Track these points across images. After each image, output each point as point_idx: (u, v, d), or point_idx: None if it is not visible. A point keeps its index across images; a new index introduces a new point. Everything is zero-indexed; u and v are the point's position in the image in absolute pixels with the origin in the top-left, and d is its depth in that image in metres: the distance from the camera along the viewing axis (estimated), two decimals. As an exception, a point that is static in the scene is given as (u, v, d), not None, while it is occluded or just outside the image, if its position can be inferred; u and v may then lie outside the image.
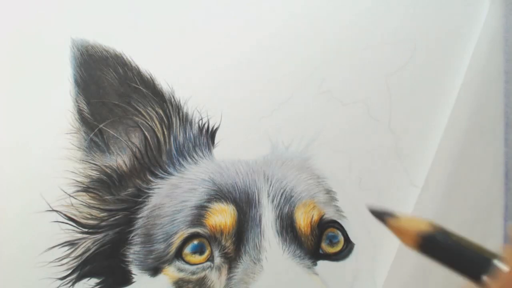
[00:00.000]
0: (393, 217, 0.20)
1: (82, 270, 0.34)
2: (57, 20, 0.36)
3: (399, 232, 0.20)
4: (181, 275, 0.33)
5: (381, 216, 0.21)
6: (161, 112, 0.35)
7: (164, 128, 0.36)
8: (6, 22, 0.35)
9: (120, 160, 0.35)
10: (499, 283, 0.18)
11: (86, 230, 0.34)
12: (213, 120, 0.36)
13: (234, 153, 0.36)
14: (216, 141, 0.36)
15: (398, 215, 0.20)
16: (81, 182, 0.35)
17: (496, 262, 0.18)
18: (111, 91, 0.35)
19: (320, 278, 0.34)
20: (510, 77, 0.38)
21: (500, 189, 0.37)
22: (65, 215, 0.34)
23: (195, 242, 0.33)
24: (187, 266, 0.33)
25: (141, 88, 0.35)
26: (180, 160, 0.36)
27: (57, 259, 0.34)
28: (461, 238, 0.19)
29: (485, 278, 0.18)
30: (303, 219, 0.34)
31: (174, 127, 0.36)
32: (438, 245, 0.19)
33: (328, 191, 0.36)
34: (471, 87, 0.38)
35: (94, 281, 0.34)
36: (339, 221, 0.35)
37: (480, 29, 0.38)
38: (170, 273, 0.34)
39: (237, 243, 0.33)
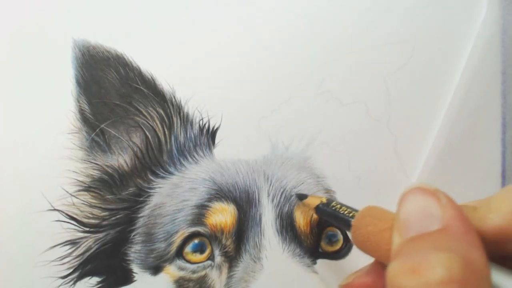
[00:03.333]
0: (305, 197, 0.34)
1: (83, 269, 0.34)
2: (59, 20, 0.36)
3: (307, 206, 0.33)
4: (181, 273, 0.33)
5: (300, 197, 0.34)
6: (162, 112, 0.36)
7: (165, 128, 0.36)
8: (6, 22, 0.35)
9: (121, 159, 0.35)
10: (352, 233, 0.25)
11: (87, 229, 0.34)
12: (214, 120, 0.36)
13: (234, 152, 0.36)
14: (216, 141, 0.36)
15: (307, 195, 0.34)
16: (82, 182, 0.35)
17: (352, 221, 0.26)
18: (112, 91, 0.35)
19: (320, 277, 0.34)
20: (507, 78, 0.38)
21: (497, 188, 0.38)
22: (66, 214, 0.34)
23: (196, 241, 0.33)
24: (187, 265, 0.33)
25: (142, 88, 0.35)
26: (181, 159, 0.36)
27: (58, 258, 0.34)
28: (338, 204, 0.30)
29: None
30: (303, 218, 0.34)
31: (175, 127, 0.36)
32: (323, 212, 0.31)
33: (328, 191, 0.37)
34: (468, 87, 0.38)
35: (95, 280, 0.34)
36: (338, 220, 0.36)
37: (477, 30, 0.39)
38: (171, 272, 0.34)
39: (238, 242, 0.33)
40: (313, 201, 0.32)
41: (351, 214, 0.28)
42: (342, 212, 0.29)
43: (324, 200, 0.31)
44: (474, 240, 0.20)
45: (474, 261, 0.19)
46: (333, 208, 0.30)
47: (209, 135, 0.36)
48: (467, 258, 0.18)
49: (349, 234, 0.28)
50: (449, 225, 0.20)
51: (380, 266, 0.25)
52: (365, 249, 0.25)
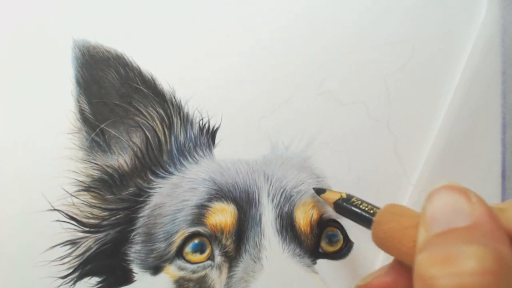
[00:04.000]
0: (323, 192, 0.33)
1: (83, 269, 0.34)
2: (59, 20, 0.36)
3: (326, 200, 0.32)
4: (181, 273, 0.33)
5: (318, 192, 0.34)
6: (162, 112, 0.36)
7: (165, 128, 0.36)
8: (6, 22, 0.35)
9: (121, 159, 0.35)
10: (373, 230, 0.25)
11: (87, 229, 0.34)
12: (214, 120, 0.36)
13: (234, 152, 0.36)
14: (216, 141, 0.36)
15: (326, 190, 0.33)
16: (82, 182, 0.35)
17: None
18: (112, 91, 0.35)
19: (320, 277, 0.34)
20: (507, 78, 0.38)
21: (497, 188, 0.38)
22: (66, 214, 0.34)
23: (196, 241, 0.33)
24: (187, 265, 0.33)
25: (142, 88, 0.35)
26: (181, 159, 0.36)
27: (58, 258, 0.34)
28: (359, 200, 0.29)
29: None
30: (303, 218, 0.34)
31: (175, 127, 0.36)
32: (342, 208, 0.30)
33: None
34: (468, 87, 0.38)
35: (95, 280, 0.34)
36: (338, 220, 0.36)
37: (477, 30, 0.39)
38: (171, 272, 0.34)
39: (238, 242, 0.33)
40: (332, 196, 0.32)
41: (372, 211, 0.28)
42: (363, 208, 0.28)
43: (344, 195, 0.31)
44: (503, 237, 0.20)
45: (505, 256, 0.19)
46: (354, 203, 0.29)
47: (209, 135, 0.36)
48: (499, 252, 0.18)
49: (368, 231, 0.27)
50: (479, 221, 0.20)
51: (400, 266, 0.25)
52: (385, 247, 0.24)
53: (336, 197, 0.31)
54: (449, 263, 0.18)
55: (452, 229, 0.20)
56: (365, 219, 0.28)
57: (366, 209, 0.28)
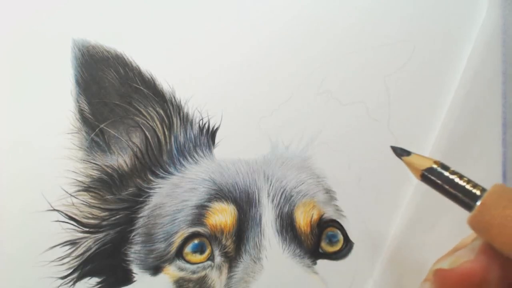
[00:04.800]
0: (407, 154, 0.27)
1: (83, 269, 0.34)
2: (58, 20, 0.36)
3: (410, 166, 0.26)
4: (181, 274, 0.33)
5: (399, 153, 0.27)
6: (161, 112, 0.36)
7: (164, 128, 0.36)
8: (6, 22, 0.35)
9: (121, 159, 0.35)
10: (478, 212, 0.22)
11: (87, 229, 0.34)
12: (214, 120, 0.36)
13: (234, 152, 0.36)
14: (216, 141, 0.36)
15: (411, 152, 0.26)
16: (82, 182, 0.35)
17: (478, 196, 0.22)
18: (112, 91, 0.35)
19: (320, 277, 0.34)
20: (508, 78, 0.38)
21: (498, 188, 0.38)
22: (66, 214, 0.34)
23: (196, 241, 0.33)
24: (187, 265, 0.33)
25: (142, 88, 0.35)
26: (181, 159, 0.36)
27: (58, 258, 0.34)
28: (456, 173, 0.24)
29: (474, 209, 0.22)
30: (303, 219, 0.34)
31: (175, 127, 0.36)
32: (434, 178, 0.25)
33: (328, 191, 0.36)
34: (469, 87, 0.38)
35: (95, 280, 0.34)
36: (338, 220, 0.35)
37: (478, 30, 0.39)
38: (171, 272, 0.34)
39: (238, 242, 0.33)
40: (421, 162, 0.26)
41: (475, 189, 0.24)
42: (462, 183, 0.24)
43: (438, 164, 0.25)
44: None
45: None
46: (452, 174, 0.24)
47: (209, 135, 0.36)
48: None
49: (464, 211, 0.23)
50: None
51: (493, 253, 0.22)
52: (488, 234, 0.22)
53: (426, 164, 0.25)
54: None
55: None
56: (468, 197, 0.23)
57: (468, 185, 0.24)
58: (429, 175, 0.25)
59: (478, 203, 0.22)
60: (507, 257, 0.21)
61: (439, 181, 0.25)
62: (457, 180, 0.24)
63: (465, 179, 0.24)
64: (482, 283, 0.22)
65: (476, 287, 0.22)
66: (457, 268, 0.23)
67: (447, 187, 0.24)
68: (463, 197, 0.24)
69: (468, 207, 0.23)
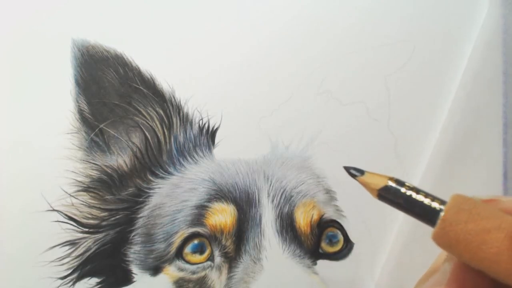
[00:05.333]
0: (361, 174, 0.25)
1: (83, 269, 0.34)
2: (58, 20, 0.36)
3: (365, 186, 0.25)
4: (181, 274, 0.33)
5: (352, 173, 0.26)
6: (161, 112, 0.36)
7: (164, 128, 0.36)
8: (6, 22, 0.35)
9: (120, 160, 0.35)
10: (440, 229, 0.21)
11: (86, 229, 0.34)
12: (213, 120, 0.36)
13: (234, 152, 0.36)
14: (216, 141, 0.36)
15: (364, 171, 0.25)
16: (81, 182, 0.35)
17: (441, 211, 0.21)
18: (111, 91, 0.35)
19: (320, 278, 0.34)
20: (509, 78, 0.38)
21: (499, 189, 0.37)
22: (65, 214, 0.34)
23: (196, 241, 0.33)
24: (187, 266, 0.33)
25: (142, 88, 0.35)
26: (181, 160, 0.36)
27: (57, 258, 0.34)
28: (413, 188, 0.23)
29: (436, 225, 0.21)
30: (303, 219, 0.34)
31: (175, 127, 0.36)
32: (391, 196, 0.23)
33: (328, 191, 0.36)
34: (470, 87, 0.38)
35: (94, 280, 0.34)
36: (338, 220, 0.35)
37: (478, 30, 0.39)
38: (171, 272, 0.34)
39: (237, 242, 0.33)
40: (376, 181, 0.25)
41: (434, 204, 0.22)
42: (420, 199, 0.23)
43: (392, 181, 0.23)
44: None
45: None
46: (408, 190, 0.23)
47: (209, 135, 0.36)
48: None
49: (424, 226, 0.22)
50: None
51: (466, 272, 0.22)
52: (455, 249, 0.21)
53: (380, 183, 0.24)
54: None
55: None
56: (428, 214, 0.22)
57: (426, 200, 0.23)
58: (385, 194, 0.24)
59: (439, 219, 0.21)
60: (479, 279, 0.21)
61: (396, 199, 0.23)
62: (414, 195, 0.23)
63: (423, 193, 0.23)
64: None
65: None
66: None
67: (405, 204, 0.23)
68: (422, 213, 0.22)
69: (430, 222, 0.22)
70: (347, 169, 0.26)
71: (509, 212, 0.21)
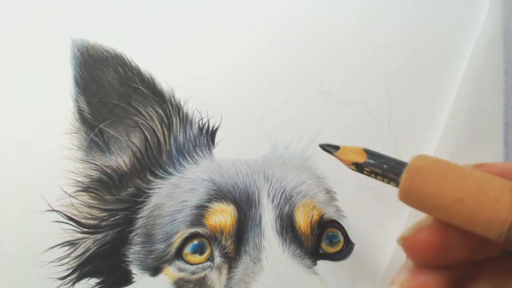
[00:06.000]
0: (336, 149, 0.28)
1: (83, 270, 0.34)
2: (57, 19, 0.36)
3: (341, 159, 0.27)
4: (181, 275, 0.33)
5: (328, 149, 0.28)
6: (161, 112, 0.36)
7: (164, 128, 0.36)
8: (5, 22, 0.35)
9: (120, 160, 0.35)
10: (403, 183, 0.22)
11: (86, 230, 0.34)
12: (213, 120, 0.36)
13: (234, 152, 0.36)
14: (216, 141, 0.36)
15: (339, 146, 0.27)
16: (81, 182, 0.35)
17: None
18: (111, 91, 0.35)
19: (320, 278, 0.34)
20: (509, 78, 0.38)
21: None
22: (65, 215, 0.34)
23: (195, 242, 0.33)
24: (187, 266, 0.33)
25: (142, 88, 0.35)
26: (180, 160, 0.36)
27: (57, 259, 0.34)
28: (381, 156, 0.25)
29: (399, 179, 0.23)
30: (303, 219, 0.34)
31: (174, 127, 0.36)
32: (364, 165, 0.26)
33: (328, 191, 0.36)
34: (470, 87, 0.38)
35: (94, 281, 0.34)
36: (339, 221, 0.35)
37: (479, 30, 0.39)
38: (170, 273, 0.34)
39: (237, 243, 0.33)
40: (349, 156, 0.27)
41: (399, 166, 0.24)
42: (385, 167, 0.25)
43: (363, 155, 0.26)
44: None
45: None
46: (378, 158, 0.25)
47: (209, 135, 0.36)
48: None
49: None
50: None
51: (442, 224, 0.23)
52: (418, 205, 0.22)
53: (354, 158, 0.26)
54: None
55: None
56: (390, 179, 0.24)
57: (391, 163, 0.25)
58: (357, 167, 0.26)
59: (401, 180, 0.23)
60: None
61: (368, 168, 0.26)
62: (379, 164, 0.25)
63: (387, 160, 0.25)
64: (441, 248, 0.23)
65: (435, 252, 0.23)
66: (414, 237, 0.23)
67: (373, 171, 0.25)
68: (388, 178, 0.24)
69: (395, 184, 0.24)
70: (322, 146, 0.29)
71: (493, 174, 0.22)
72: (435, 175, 0.22)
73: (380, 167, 0.25)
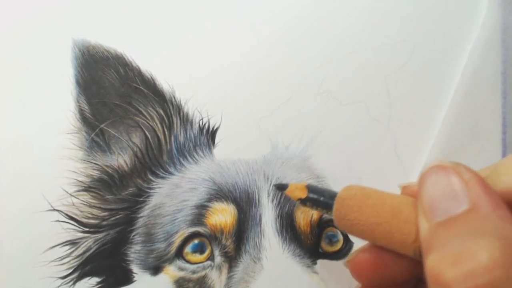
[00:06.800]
0: (285, 187, 0.30)
1: (83, 269, 0.34)
2: (58, 20, 0.36)
3: (290, 196, 0.29)
4: (181, 274, 0.33)
5: (281, 188, 0.30)
6: (161, 112, 0.36)
7: (165, 128, 0.36)
8: (6, 22, 0.35)
9: (121, 159, 0.35)
10: (334, 217, 0.25)
11: (87, 229, 0.34)
12: (214, 120, 0.36)
13: (234, 152, 0.36)
14: (216, 141, 0.36)
15: (288, 184, 0.30)
16: (82, 182, 0.35)
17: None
18: (112, 91, 0.35)
19: (320, 277, 0.34)
20: (507, 78, 0.38)
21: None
22: (66, 214, 0.34)
23: (196, 241, 0.33)
24: (187, 265, 0.33)
25: (142, 88, 0.35)
26: (181, 159, 0.36)
27: (58, 258, 0.34)
28: (324, 191, 0.28)
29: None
30: (303, 218, 0.34)
31: (175, 127, 0.36)
32: (306, 200, 0.28)
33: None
34: (469, 87, 0.38)
35: (95, 280, 0.34)
36: (338, 220, 0.35)
37: (477, 30, 0.39)
38: (171, 272, 0.34)
39: (237, 242, 0.33)
40: (296, 193, 0.29)
41: (330, 202, 0.27)
42: (324, 200, 0.27)
43: (304, 191, 0.29)
44: (505, 213, 0.19)
45: (510, 235, 0.18)
46: (313, 196, 0.28)
47: (209, 135, 0.36)
48: (504, 238, 0.18)
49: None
50: (477, 204, 0.20)
51: (377, 246, 0.25)
52: (353, 233, 0.25)
53: (299, 195, 0.29)
54: (461, 263, 0.18)
55: (451, 218, 0.20)
56: (328, 209, 0.27)
57: (324, 198, 0.28)
58: (301, 203, 0.29)
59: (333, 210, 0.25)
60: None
61: (309, 202, 0.28)
62: (317, 198, 0.28)
63: (328, 192, 0.27)
64: (378, 267, 0.25)
65: (373, 270, 0.25)
66: (354, 259, 0.26)
67: (314, 206, 0.28)
68: (325, 209, 0.27)
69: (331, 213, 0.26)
70: (275, 186, 0.33)
71: (412, 195, 0.24)
72: (356, 203, 0.24)
73: (318, 200, 0.28)
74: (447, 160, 0.22)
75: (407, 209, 0.23)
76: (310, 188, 0.28)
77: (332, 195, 0.26)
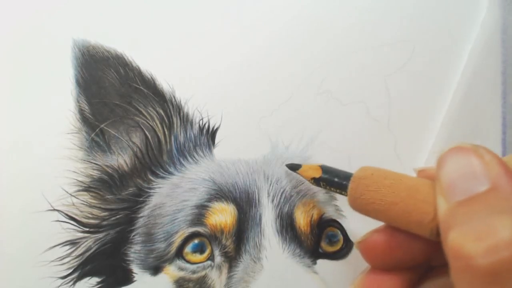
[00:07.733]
0: (298, 167, 0.32)
1: (83, 269, 0.34)
2: (58, 20, 0.36)
3: (302, 175, 0.31)
4: (181, 274, 0.33)
5: (293, 168, 0.32)
6: (162, 112, 0.36)
7: (165, 128, 0.36)
8: (6, 22, 0.35)
9: (121, 159, 0.35)
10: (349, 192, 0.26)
11: (87, 229, 0.34)
12: (214, 120, 0.36)
13: (234, 152, 0.36)
14: (216, 141, 0.36)
15: (301, 165, 0.32)
16: (82, 182, 0.35)
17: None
18: (112, 91, 0.35)
19: (320, 277, 0.34)
20: (507, 78, 0.38)
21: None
22: (66, 214, 0.34)
23: (196, 241, 0.33)
24: (187, 265, 0.33)
25: (142, 88, 0.35)
26: (181, 159, 0.36)
27: (58, 258, 0.34)
28: (338, 171, 0.29)
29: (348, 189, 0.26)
30: (303, 218, 0.34)
31: (175, 127, 0.36)
32: (320, 179, 0.30)
33: (328, 191, 0.36)
34: (468, 87, 0.38)
35: (95, 280, 0.34)
36: (338, 220, 0.36)
37: (477, 30, 0.39)
38: (171, 272, 0.34)
39: (237, 242, 0.33)
40: (309, 173, 0.31)
41: (344, 182, 0.28)
42: (338, 180, 0.28)
43: (319, 171, 0.30)
44: None
45: None
46: (329, 177, 0.29)
47: (209, 135, 0.36)
48: None
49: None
50: (498, 184, 0.20)
51: (391, 227, 0.25)
52: (367, 214, 0.25)
53: (312, 174, 0.31)
54: (484, 239, 0.18)
55: (472, 197, 0.20)
56: (342, 189, 0.28)
57: (338, 179, 0.29)
58: (315, 182, 0.30)
59: (348, 191, 0.26)
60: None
61: (323, 181, 0.30)
62: (332, 178, 0.29)
63: (342, 172, 0.28)
64: (390, 249, 0.25)
65: (384, 252, 0.25)
66: (366, 240, 0.26)
67: (327, 186, 0.29)
68: (340, 186, 0.28)
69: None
70: (288, 166, 0.33)
71: (428, 178, 0.24)
72: (373, 183, 0.24)
73: (332, 180, 0.29)
74: (467, 142, 0.22)
75: (424, 189, 0.23)
76: (324, 169, 0.29)
77: (346, 176, 0.27)
